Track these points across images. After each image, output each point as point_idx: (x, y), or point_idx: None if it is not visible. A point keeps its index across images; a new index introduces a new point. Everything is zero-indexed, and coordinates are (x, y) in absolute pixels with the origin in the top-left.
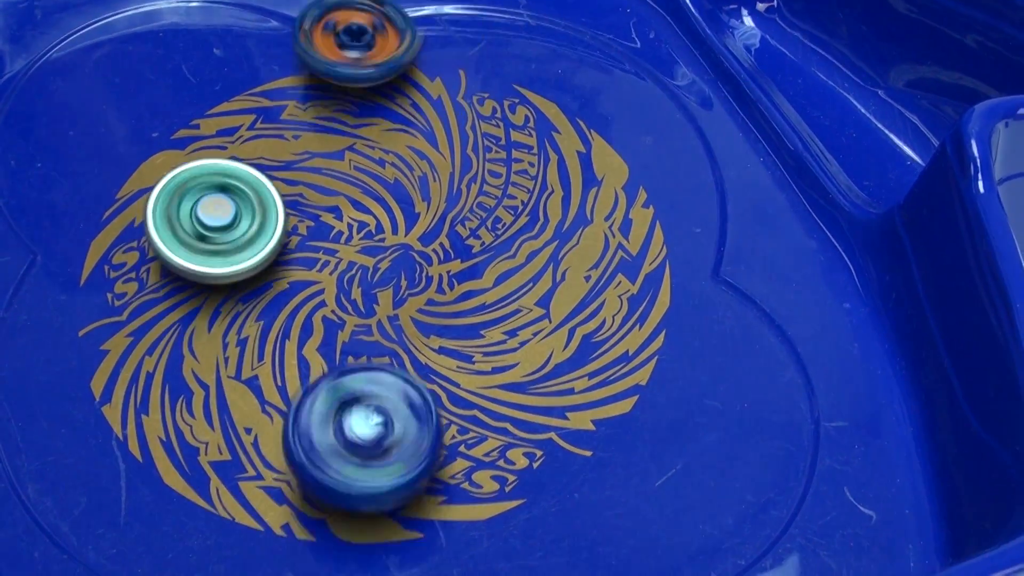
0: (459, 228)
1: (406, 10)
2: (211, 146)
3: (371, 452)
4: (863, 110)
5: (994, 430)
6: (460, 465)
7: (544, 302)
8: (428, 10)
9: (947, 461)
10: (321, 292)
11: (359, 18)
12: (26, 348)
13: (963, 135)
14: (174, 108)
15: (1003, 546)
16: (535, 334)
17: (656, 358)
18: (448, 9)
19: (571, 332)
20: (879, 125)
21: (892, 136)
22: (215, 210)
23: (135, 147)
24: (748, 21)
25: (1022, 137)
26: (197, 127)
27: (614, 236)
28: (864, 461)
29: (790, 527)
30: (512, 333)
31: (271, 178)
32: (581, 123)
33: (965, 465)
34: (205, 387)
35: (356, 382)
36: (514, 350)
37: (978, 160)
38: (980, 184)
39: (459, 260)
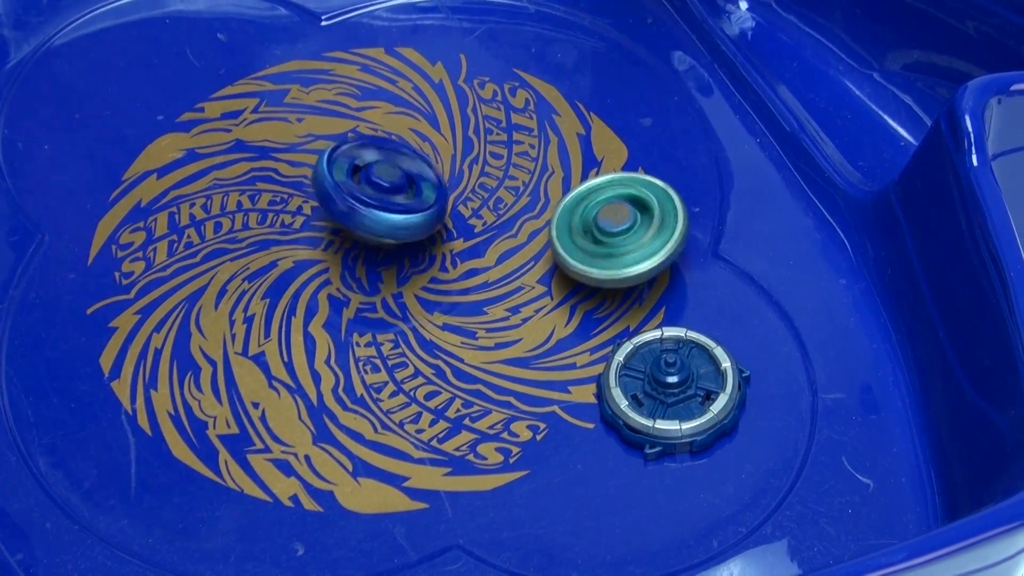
0: (461, 208)
1: None
2: (215, 128)
3: None
4: (858, 92)
5: (988, 397)
6: (465, 437)
7: (546, 280)
8: None
9: (942, 429)
10: (326, 271)
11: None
12: (36, 326)
13: (957, 111)
14: (179, 92)
15: (995, 505)
16: (537, 311)
17: None
18: None
19: (572, 309)
20: (873, 107)
21: (886, 117)
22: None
23: (140, 130)
24: (744, 5)
25: (1015, 113)
26: (202, 110)
27: None
28: (861, 431)
29: (789, 495)
30: (515, 310)
31: (276, 160)
32: (581, 106)
33: (960, 432)
34: (213, 363)
35: None
36: (517, 326)
37: (972, 135)
38: (974, 158)
39: (462, 239)
